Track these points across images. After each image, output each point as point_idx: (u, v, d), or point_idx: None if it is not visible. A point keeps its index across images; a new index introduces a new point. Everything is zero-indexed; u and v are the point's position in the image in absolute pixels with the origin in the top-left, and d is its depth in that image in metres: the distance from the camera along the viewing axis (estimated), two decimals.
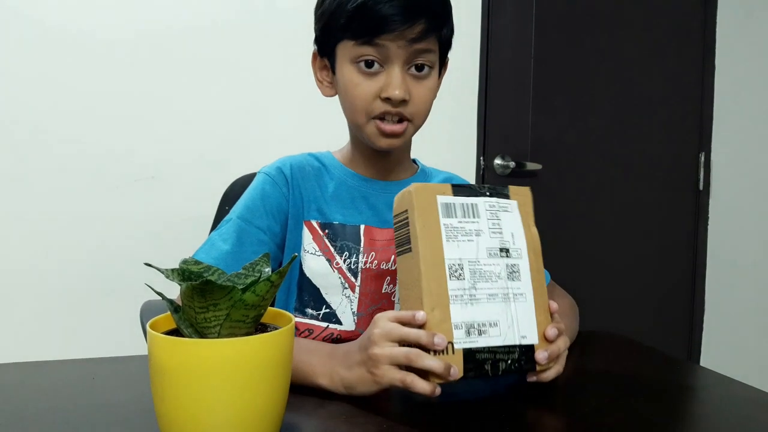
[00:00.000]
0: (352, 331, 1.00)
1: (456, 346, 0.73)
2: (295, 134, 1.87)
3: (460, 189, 0.80)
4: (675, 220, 2.46)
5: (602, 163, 2.34)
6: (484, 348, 0.75)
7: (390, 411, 0.74)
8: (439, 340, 0.71)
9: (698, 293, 2.49)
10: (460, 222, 0.77)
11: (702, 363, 2.43)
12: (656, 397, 0.83)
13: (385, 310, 0.99)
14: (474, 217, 0.79)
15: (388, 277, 1.01)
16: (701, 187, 2.47)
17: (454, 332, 0.74)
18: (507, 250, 0.79)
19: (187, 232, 1.62)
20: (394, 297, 1.01)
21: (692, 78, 2.45)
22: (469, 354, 0.74)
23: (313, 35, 1.03)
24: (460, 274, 0.75)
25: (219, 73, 1.86)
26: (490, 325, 0.76)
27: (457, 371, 0.72)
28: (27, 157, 1.72)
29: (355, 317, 1.00)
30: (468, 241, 0.77)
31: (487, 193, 0.81)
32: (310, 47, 1.04)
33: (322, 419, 0.75)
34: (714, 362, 2.43)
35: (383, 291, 1.01)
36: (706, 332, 2.49)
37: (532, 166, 2.21)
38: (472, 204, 0.79)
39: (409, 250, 0.77)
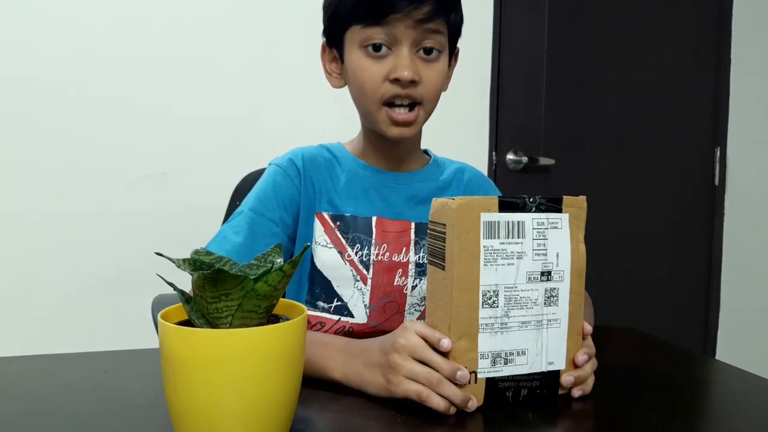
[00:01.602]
0: (364, 323, 0.99)
1: (479, 376, 0.72)
2: (306, 128, 1.87)
3: (508, 204, 0.73)
4: (690, 215, 2.43)
5: (616, 158, 2.31)
6: (508, 377, 0.73)
7: (403, 404, 0.73)
8: (462, 375, 0.70)
9: (714, 288, 2.46)
10: (502, 243, 0.72)
11: (717, 358, 2.41)
12: (673, 391, 0.82)
13: (397, 302, 0.99)
14: (519, 237, 0.73)
15: (400, 270, 1.00)
16: (717, 183, 2.44)
17: (479, 362, 0.72)
18: (549, 273, 0.74)
19: (199, 228, 1.61)
20: (405, 289, 1.00)
21: (707, 72, 2.42)
22: (492, 383, 0.72)
23: (321, 28, 1.03)
24: (494, 302, 0.72)
25: (229, 67, 1.86)
26: (518, 353, 0.73)
27: (475, 404, 0.71)
28: (38, 155, 1.73)
29: (367, 310, 0.99)
30: (508, 264, 0.72)
31: (537, 207, 0.74)
32: (320, 40, 1.04)
33: (335, 412, 0.74)
34: (729, 357, 2.40)
35: (395, 283, 1.00)
36: (722, 327, 2.47)
37: (545, 161, 2.19)
38: (518, 222, 0.73)
39: (443, 267, 0.73)
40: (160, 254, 0.60)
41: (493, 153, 2.16)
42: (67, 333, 1.74)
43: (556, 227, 0.75)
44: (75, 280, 1.76)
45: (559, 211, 0.76)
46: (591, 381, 0.79)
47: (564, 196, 0.76)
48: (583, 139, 2.27)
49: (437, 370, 0.70)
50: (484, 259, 0.71)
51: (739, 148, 2.44)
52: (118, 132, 1.78)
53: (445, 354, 0.71)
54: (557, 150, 2.21)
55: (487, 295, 0.72)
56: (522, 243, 0.73)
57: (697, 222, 2.44)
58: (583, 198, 0.78)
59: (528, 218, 0.73)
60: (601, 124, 2.29)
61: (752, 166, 2.46)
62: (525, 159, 2.17)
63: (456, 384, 0.70)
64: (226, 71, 1.86)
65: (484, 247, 0.71)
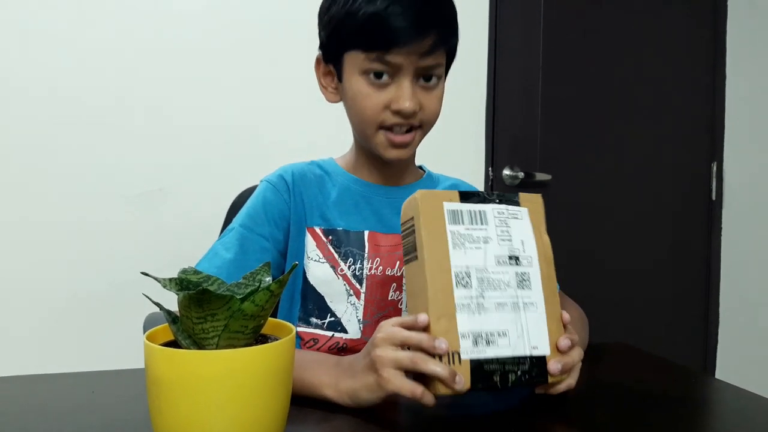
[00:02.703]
0: (357, 339, 0.98)
1: (463, 357, 0.71)
2: (302, 144, 1.86)
3: (468, 196, 0.78)
4: (688, 230, 2.43)
5: (612, 173, 2.31)
6: (492, 359, 0.72)
7: (397, 425, 0.72)
8: (440, 344, 0.69)
9: (712, 304, 2.45)
10: (468, 229, 0.76)
11: (717, 375, 2.39)
12: (670, 409, 0.81)
13: (391, 317, 0.98)
14: (482, 224, 0.77)
15: (394, 284, 0.99)
16: (714, 197, 2.43)
17: (460, 342, 0.71)
18: (517, 258, 0.77)
19: (196, 244, 1.61)
20: (400, 304, 0.99)
21: (703, 87, 2.43)
22: (477, 365, 0.71)
23: (317, 40, 1.01)
24: (467, 282, 0.73)
25: (227, 84, 1.86)
26: (499, 334, 0.73)
27: (462, 380, 0.69)
28: (34, 170, 1.72)
29: (361, 325, 0.98)
30: (476, 248, 0.75)
31: (496, 200, 0.79)
32: (315, 54, 1.03)
33: None
34: (729, 374, 2.39)
35: (389, 298, 0.99)
36: (721, 344, 2.45)
37: (541, 176, 2.18)
38: (480, 211, 0.77)
39: (415, 257, 0.75)
40: (146, 274, 0.59)
41: (490, 169, 2.16)
42: (59, 351, 1.73)
43: (516, 217, 0.79)
44: (68, 297, 1.74)
45: (517, 204, 0.80)
46: (576, 373, 0.78)
47: (520, 193, 0.81)
48: (580, 155, 2.27)
49: (417, 345, 0.70)
50: (452, 242, 0.75)
51: (736, 162, 2.44)
52: (115, 148, 1.77)
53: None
54: (554, 165, 2.21)
55: (460, 276, 0.73)
56: (486, 229, 0.77)
57: (694, 237, 2.44)
58: (538, 195, 0.82)
59: (488, 208, 0.78)
60: (598, 140, 2.29)
61: (749, 179, 2.46)
62: (521, 174, 2.16)
63: (438, 357, 0.70)
64: (223, 88, 1.86)
65: (450, 232, 0.75)
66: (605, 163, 2.30)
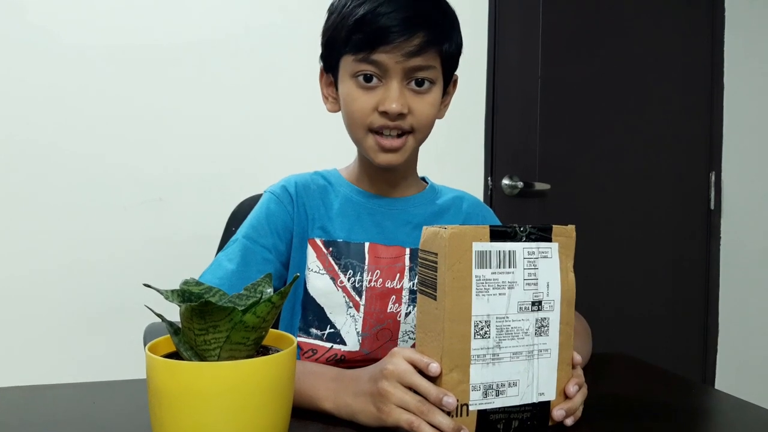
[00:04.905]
0: (356, 351, 0.98)
1: (471, 408, 0.71)
2: (303, 154, 1.87)
3: (499, 233, 0.73)
4: (686, 240, 2.43)
5: (611, 182, 2.31)
6: (499, 408, 0.72)
7: None
8: (448, 401, 0.69)
9: (712, 314, 2.45)
10: (494, 273, 0.72)
11: (717, 386, 2.39)
12: (670, 420, 0.81)
13: (390, 329, 0.98)
14: (510, 267, 0.73)
15: (394, 296, 0.99)
16: (712, 207, 2.44)
17: (471, 394, 0.71)
18: (539, 303, 0.74)
19: (195, 253, 1.61)
20: (399, 316, 0.99)
21: (701, 97, 2.43)
22: (483, 415, 0.71)
23: (320, 53, 1.03)
24: (486, 332, 0.71)
25: (226, 93, 1.86)
26: (510, 385, 0.73)
27: None
28: (34, 179, 1.72)
29: (360, 337, 0.98)
30: (499, 294, 0.72)
31: (528, 236, 0.74)
32: (318, 66, 1.05)
33: None
34: (729, 385, 2.38)
35: (388, 310, 0.99)
36: (721, 354, 2.45)
37: (540, 186, 2.19)
38: (510, 251, 0.72)
39: (434, 297, 0.72)
40: (148, 285, 0.60)
41: (489, 178, 2.16)
42: (60, 361, 1.72)
43: (546, 256, 0.75)
44: (69, 307, 1.74)
45: (549, 240, 0.76)
46: (581, 408, 0.78)
47: (554, 225, 0.76)
48: (578, 164, 2.27)
49: (424, 396, 0.70)
50: (476, 289, 0.71)
51: (734, 171, 2.45)
52: (116, 158, 1.78)
53: (433, 379, 0.71)
54: (553, 175, 2.21)
55: (479, 326, 0.71)
56: (513, 273, 0.73)
57: (693, 246, 2.44)
58: (572, 227, 0.77)
59: (519, 248, 0.73)
60: (596, 149, 2.29)
61: (747, 189, 2.46)
62: (520, 184, 2.17)
63: (444, 411, 0.69)
64: (224, 97, 1.86)
65: (476, 277, 0.71)
66: (604, 173, 2.30)
